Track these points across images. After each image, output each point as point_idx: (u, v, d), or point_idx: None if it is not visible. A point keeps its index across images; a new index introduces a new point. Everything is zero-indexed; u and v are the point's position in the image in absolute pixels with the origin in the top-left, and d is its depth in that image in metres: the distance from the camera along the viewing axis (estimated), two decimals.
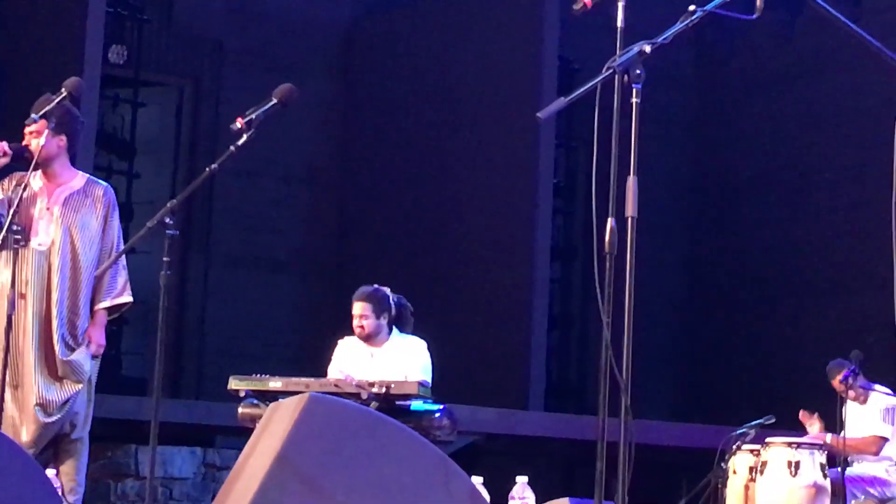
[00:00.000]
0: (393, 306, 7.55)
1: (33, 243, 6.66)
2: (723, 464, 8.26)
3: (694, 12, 4.59)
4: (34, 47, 10.53)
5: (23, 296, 6.56)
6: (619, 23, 4.60)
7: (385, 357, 7.47)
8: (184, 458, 10.06)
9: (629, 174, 4.44)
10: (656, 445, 10.48)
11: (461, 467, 4.68)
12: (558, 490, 8.47)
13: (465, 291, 11.90)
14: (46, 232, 6.69)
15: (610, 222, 4.44)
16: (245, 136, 5.79)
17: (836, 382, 8.66)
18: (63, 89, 6.49)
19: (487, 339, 11.66)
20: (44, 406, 6.57)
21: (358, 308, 7.50)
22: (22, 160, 6.63)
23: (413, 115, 12.51)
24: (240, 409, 6.86)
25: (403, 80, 12.61)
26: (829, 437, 8.56)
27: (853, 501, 8.56)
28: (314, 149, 12.98)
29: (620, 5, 4.61)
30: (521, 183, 11.77)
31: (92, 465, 7.80)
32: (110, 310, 6.79)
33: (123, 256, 6.71)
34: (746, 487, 8.14)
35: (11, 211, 6.49)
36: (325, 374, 7.41)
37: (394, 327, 7.56)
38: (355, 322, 7.50)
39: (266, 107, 5.89)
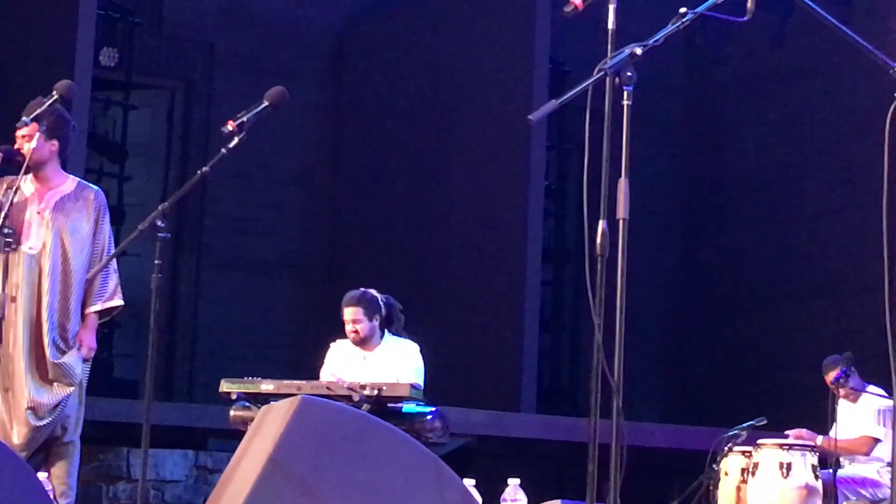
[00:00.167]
0: (383, 307, 7.54)
1: (24, 247, 6.65)
2: (714, 465, 8.27)
3: (685, 14, 4.59)
4: (25, 50, 10.51)
5: (13, 299, 6.56)
6: (611, 25, 4.61)
7: (377, 360, 7.46)
8: (176, 460, 10.04)
9: (620, 176, 4.44)
10: (648, 447, 10.47)
11: (453, 469, 4.69)
12: (550, 492, 8.47)
13: (456, 293, 11.88)
14: (37, 235, 6.68)
15: (601, 225, 4.45)
16: (237, 139, 5.80)
17: (829, 380, 8.68)
18: (54, 92, 6.50)
19: (479, 341, 11.64)
20: (35, 409, 6.57)
21: (349, 313, 7.48)
22: (13, 163, 6.63)
23: (405, 117, 12.50)
24: (232, 412, 6.86)
25: (395, 82, 12.59)
26: (819, 439, 8.56)
27: (844, 503, 8.58)
28: (306, 151, 12.96)
29: (611, 7, 4.61)
30: (512, 185, 11.75)
31: (84, 468, 7.78)
32: (101, 313, 6.79)
33: (114, 260, 6.71)
34: (738, 489, 8.14)
35: (2, 214, 6.49)
36: (317, 377, 7.40)
37: (385, 330, 7.55)
38: (348, 328, 7.48)
39: (258, 109, 5.90)
